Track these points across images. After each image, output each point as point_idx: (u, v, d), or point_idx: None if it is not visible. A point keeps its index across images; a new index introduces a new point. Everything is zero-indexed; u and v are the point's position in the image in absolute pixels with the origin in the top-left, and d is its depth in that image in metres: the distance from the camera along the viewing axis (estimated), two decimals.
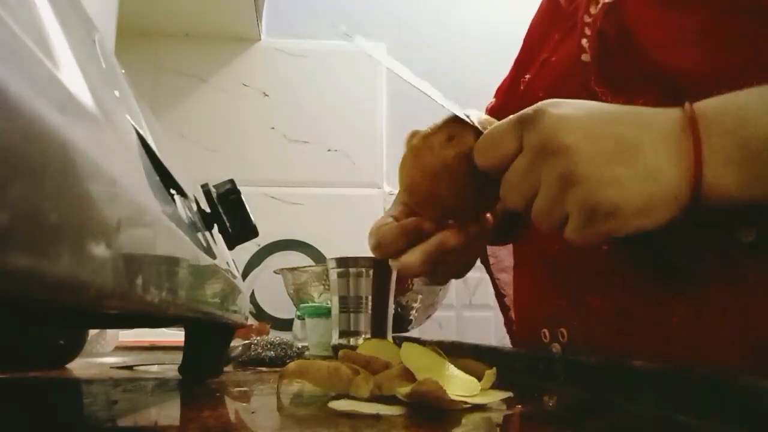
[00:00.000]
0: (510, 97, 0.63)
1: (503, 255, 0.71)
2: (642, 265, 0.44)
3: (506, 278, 0.69)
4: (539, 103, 0.37)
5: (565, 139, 0.35)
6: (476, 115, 0.42)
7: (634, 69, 0.45)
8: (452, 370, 0.37)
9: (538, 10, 0.64)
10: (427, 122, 0.48)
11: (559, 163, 0.35)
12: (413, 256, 0.45)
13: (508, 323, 0.68)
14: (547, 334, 0.53)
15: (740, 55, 0.39)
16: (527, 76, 0.59)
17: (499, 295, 0.70)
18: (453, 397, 0.32)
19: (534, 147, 0.36)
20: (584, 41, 0.49)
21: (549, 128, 0.36)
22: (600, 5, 0.48)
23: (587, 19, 0.49)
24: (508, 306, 0.68)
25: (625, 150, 0.35)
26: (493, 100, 0.69)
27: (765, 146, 0.33)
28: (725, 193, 0.34)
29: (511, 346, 0.66)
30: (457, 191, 0.42)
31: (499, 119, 0.40)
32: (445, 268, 0.47)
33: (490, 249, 0.70)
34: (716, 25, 0.42)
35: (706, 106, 0.35)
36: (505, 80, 0.68)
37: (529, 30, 0.65)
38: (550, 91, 0.55)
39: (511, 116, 0.38)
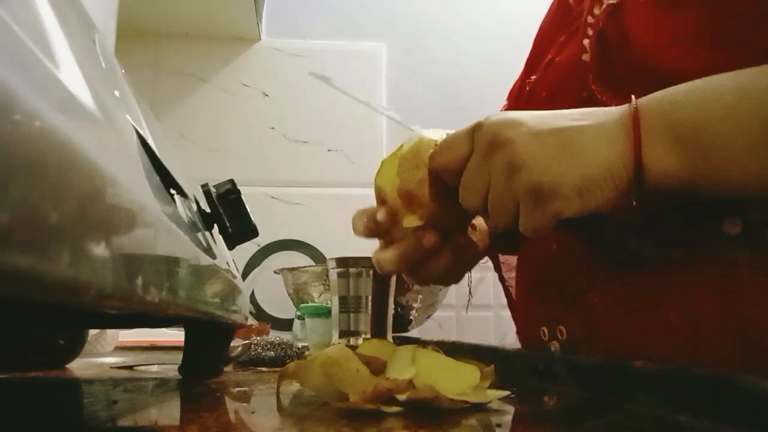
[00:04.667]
0: (518, 99, 0.64)
1: (508, 256, 0.71)
2: (601, 249, 0.46)
3: (512, 274, 0.69)
4: (491, 114, 0.41)
5: (507, 134, 0.39)
6: (439, 134, 0.45)
7: (631, 69, 0.46)
8: (449, 362, 0.37)
9: (548, 13, 0.65)
10: (426, 122, 0.48)
11: (503, 155, 0.39)
12: (388, 254, 0.47)
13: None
14: (546, 332, 0.53)
15: (734, 56, 0.40)
16: (533, 77, 0.60)
17: (509, 298, 0.70)
18: (452, 397, 0.32)
19: (482, 146, 0.40)
20: (586, 41, 0.50)
21: (494, 127, 0.40)
22: (603, 6, 0.49)
23: (590, 20, 0.50)
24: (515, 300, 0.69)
25: (565, 138, 0.38)
26: (506, 102, 0.69)
27: (691, 130, 0.37)
28: (664, 172, 0.37)
29: (514, 342, 0.66)
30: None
31: None
32: (426, 270, 0.48)
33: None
34: (710, 27, 0.42)
35: (646, 98, 0.39)
36: (516, 83, 0.69)
37: (538, 32, 0.66)
38: (551, 90, 0.55)
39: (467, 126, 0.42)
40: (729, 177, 0.37)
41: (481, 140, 0.40)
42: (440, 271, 0.49)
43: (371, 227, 0.47)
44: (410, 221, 0.45)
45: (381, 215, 0.46)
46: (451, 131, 0.45)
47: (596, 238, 0.44)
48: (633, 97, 0.39)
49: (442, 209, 0.44)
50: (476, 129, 0.41)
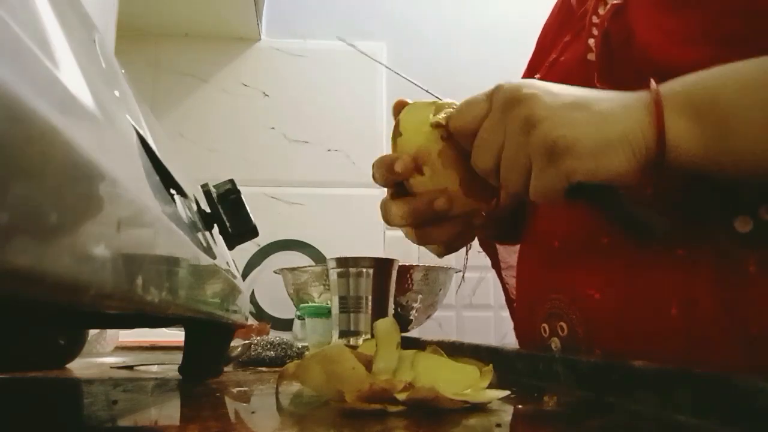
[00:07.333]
0: None
1: (503, 254, 0.71)
2: (612, 221, 0.47)
3: (510, 273, 0.69)
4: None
5: (526, 91, 0.40)
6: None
7: (635, 69, 0.46)
8: (449, 363, 0.38)
9: (551, 14, 0.65)
10: None
11: (521, 110, 0.39)
12: (398, 206, 0.47)
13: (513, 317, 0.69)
14: (547, 328, 0.53)
15: (738, 55, 0.40)
16: (537, 76, 0.60)
17: (508, 296, 0.70)
18: (452, 397, 0.32)
19: (500, 103, 0.41)
20: (591, 41, 0.51)
21: (514, 87, 0.41)
22: (608, 6, 0.49)
23: (595, 20, 0.51)
24: (513, 299, 0.69)
25: (583, 101, 0.39)
26: None
27: (709, 103, 0.38)
28: (680, 144, 0.38)
29: (514, 342, 0.66)
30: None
31: None
32: (434, 233, 0.49)
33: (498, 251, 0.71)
34: (715, 26, 0.43)
35: (665, 84, 0.40)
36: None
37: (541, 33, 0.66)
38: None
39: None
40: (745, 151, 0.38)
41: (499, 98, 0.41)
42: (447, 237, 0.50)
43: (387, 177, 0.47)
44: (420, 183, 0.46)
45: (399, 166, 0.46)
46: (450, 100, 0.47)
47: (608, 209, 0.44)
48: (653, 80, 0.40)
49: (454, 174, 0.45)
50: (495, 91, 0.42)
